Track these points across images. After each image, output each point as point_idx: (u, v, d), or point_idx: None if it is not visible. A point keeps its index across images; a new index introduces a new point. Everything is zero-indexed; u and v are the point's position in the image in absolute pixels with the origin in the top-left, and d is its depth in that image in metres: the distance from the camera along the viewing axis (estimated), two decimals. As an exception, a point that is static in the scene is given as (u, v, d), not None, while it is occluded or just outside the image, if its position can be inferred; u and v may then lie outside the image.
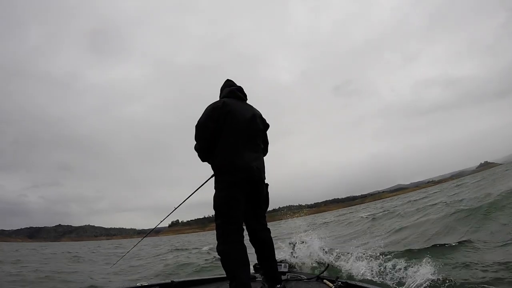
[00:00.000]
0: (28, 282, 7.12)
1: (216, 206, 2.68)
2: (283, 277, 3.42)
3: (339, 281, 3.05)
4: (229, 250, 2.55)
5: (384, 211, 16.86)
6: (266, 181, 3.01)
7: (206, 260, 8.97)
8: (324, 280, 3.29)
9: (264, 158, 3.10)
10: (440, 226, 7.08)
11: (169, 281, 3.02)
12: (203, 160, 2.93)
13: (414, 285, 3.70)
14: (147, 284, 2.86)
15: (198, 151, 2.91)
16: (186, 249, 15.28)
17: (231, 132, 2.75)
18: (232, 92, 3.03)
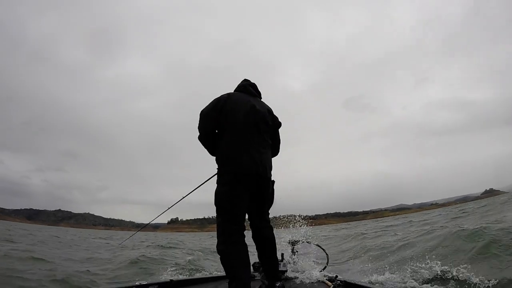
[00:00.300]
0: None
1: (217, 201, 2.59)
2: (282, 276, 3.41)
3: (338, 280, 3.06)
4: (230, 250, 2.45)
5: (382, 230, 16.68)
6: (272, 178, 2.90)
7: (173, 270, 6.78)
8: (323, 279, 3.29)
9: (274, 158, 3.02)
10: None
11: (168, 280, 3.01)
12: (210, 152, 2.84)
13: None
14: (145, 283, 2.85)
15: (202, 141, 2.83)
16: (170, 247, 13.86)
17: (236, 125, 2.66)
18: (243, 86, 3.01)
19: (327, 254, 3.78)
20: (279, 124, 3.05)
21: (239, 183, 2.57)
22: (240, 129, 2.66)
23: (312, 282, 3.31)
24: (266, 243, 2.87)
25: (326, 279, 3.23)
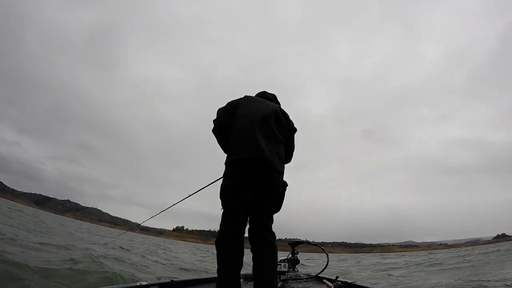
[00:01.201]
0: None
1: (221, 194, 2.51)
2: (283, 277, 3.42)
3: (339, 281, 3.04)
4: (222, 245, 2.34)
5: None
6: (285, 180, 2.73)
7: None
8: (324, 280, 3.28)
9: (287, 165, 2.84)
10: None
11: (169, 280, 3.01)
12: (223, 148, 2.77)
13: None
14: (146, 283, 2.84)
15: (215, 132, 2.79)
16: (145, 256, 11.86)
17: (247, 117, 2.63)
18: (262, 92, 3.11)
19: (327, 255, 3.75)
20: (295, 129, 2.93)
21: (244, 173, 2.45)
22: (250, 122, 2.59)
23: (313, 283, 3.31)
24: (263, 259, 2.46)
25: (327, 280, 3.21)
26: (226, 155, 2.64)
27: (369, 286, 2.82)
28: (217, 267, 2.35)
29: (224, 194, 2.49)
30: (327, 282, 3.11)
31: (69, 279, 5.40)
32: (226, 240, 2.36)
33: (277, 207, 2.70)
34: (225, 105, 2.79)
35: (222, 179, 2.59)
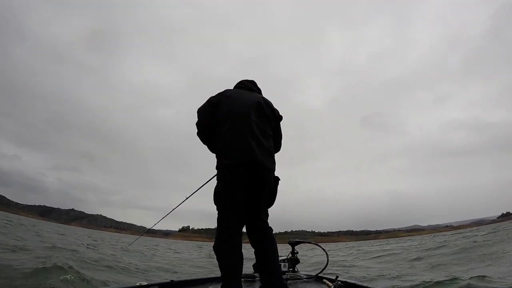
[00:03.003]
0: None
1: (215, 198, 2.50)
2: (283, 276, 3.35)
3: (339, 281, 3.02)
4: (222, 249, 2.36)
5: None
6: (276, 174, 2.71)
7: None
8: (324, 280, 3.28)
9: (280, 162, 2.81)
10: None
11: (169, 280, 2.97)
12: (210, 149, 2.77)
13: None
14: (146, 283, 2.83)
15: (200, 136, 2.76)
16: (130, 250, 12.80)
17: (232, 117, 2.57)
18: (241, 82, 2.99)
19: (327, 255, 3.76)
20: (280, 117, 2.90)
21: (235, 175, 2.43)
22: (236, 121, 2.55)
23: (313, 283, 3.31)
24: (267, 250, 2.55)
25: (327, 280, 3.22)
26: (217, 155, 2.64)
27: (369, 285, 2.83)
28: (220, 270, 2.37)
29: (218, 199, 2.49)
30: (327, 282, 3.11)
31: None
32: (223, 244, 2.37)
33: (271, 203, 2.73)
34: (204, 104, 2.73)
35: (216, 179, 2.57)
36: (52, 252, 8.48)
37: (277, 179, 2.72)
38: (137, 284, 2.75)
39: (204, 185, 3.51)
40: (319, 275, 3.52)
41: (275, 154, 2.80)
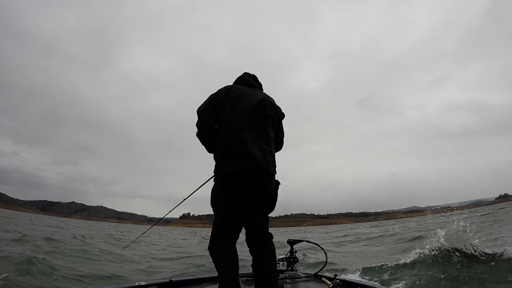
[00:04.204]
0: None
1: (212, 202, 2.45)
2: (281, 275, 3.42)
3: (337, 279, 3.05)
4: (217, 251, 2.33)
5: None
6: (276, 178, 2.62)
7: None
8: (322, 278, 3.31)
9: (279, 153, 2.80)
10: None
11: (168, 280, 2.98)
12: (208, 150, 2.65)
13: None
14: (145, 283, 2.81)
15: (200, 138, 2.64)
16: (120, 238, 12.79)
17: (234, 118, 2.46)
18: (242, 78, 2.83)
19: (325, 253, 3.77)
20: (283, 115, 2.83)
21: (236, 183, 2.36)
22: (237, 125, 2.45)
23: (311, 281, 3.34)
24: (263, 262, 2.49)
25: (325, 278, 3.24)
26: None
27: (367, 283, 2.83)
28: (217, 272, 2.36)
29: (215, 203, 2.45)
30: (326, 280, 3.13)
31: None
32: (218, 247, 2.34)
33: (271, 208, 2.67)
34: (205, 103, 2.59)
35: (213, 180, 2.52)
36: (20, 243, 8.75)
37: (277, 183, 2.64)
38: (136, 283, 2.77)
39: (197, 189, 3.42)
40: (318, 273, 3.55)
41: (277, 153, 2.75)
